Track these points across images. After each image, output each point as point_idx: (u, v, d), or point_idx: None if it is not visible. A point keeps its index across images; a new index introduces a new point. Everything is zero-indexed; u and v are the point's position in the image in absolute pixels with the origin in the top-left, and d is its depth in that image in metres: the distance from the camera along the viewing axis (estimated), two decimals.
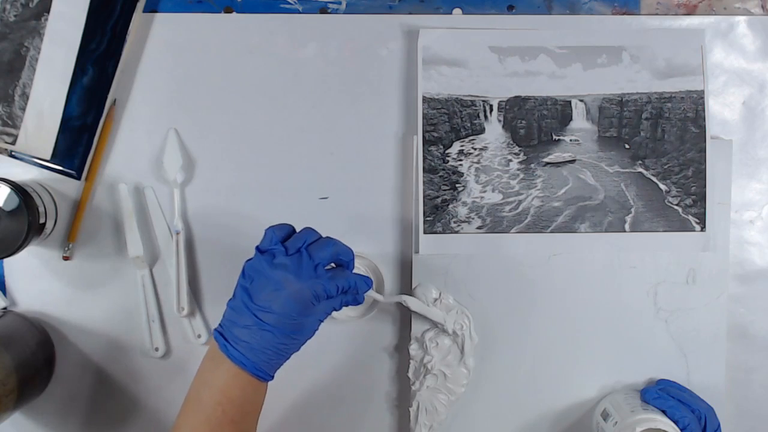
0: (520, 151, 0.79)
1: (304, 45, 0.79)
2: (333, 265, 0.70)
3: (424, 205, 0.78)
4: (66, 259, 0.78)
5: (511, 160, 0.79)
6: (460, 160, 0.79)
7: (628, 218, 0.79)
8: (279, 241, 0.67)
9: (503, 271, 0.79)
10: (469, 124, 0.79)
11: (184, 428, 0.66)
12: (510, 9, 0.80)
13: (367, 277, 0.71)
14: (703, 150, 0.79)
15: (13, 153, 0.77)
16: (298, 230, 0.69)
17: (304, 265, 0.66)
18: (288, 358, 0.67)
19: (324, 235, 0.69)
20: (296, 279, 0.65)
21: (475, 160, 0.79)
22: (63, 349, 0.79)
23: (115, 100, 0.78)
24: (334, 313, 0.78)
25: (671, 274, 0.79)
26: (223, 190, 0.79)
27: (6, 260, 0.78)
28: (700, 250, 0.79)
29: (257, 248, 0.68)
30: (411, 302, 0.77)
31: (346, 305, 0.70)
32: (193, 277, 0.79)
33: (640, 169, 0.79)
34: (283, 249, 0.66)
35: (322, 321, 0.68)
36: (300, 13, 0.79)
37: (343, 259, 0.69)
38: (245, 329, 0.65)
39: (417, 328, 0.79)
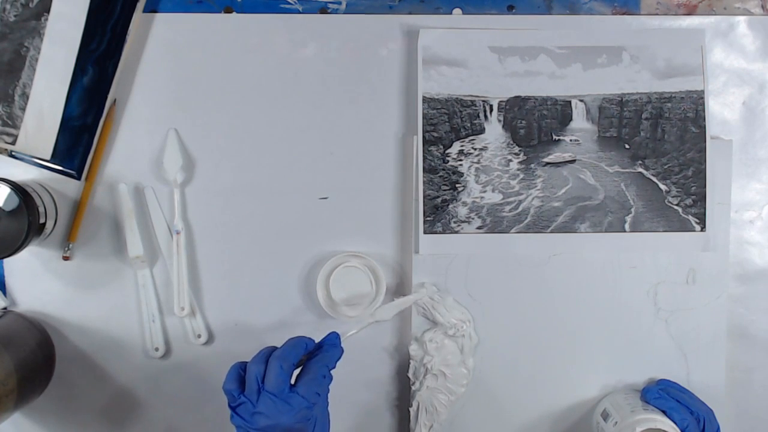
0: (520, 151, 0.79)
1: (304, 45, 0.79)
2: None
3: (424, 205, 0.78)
4: (66, 259, 0.78)
5: (511, 160, 0.79)
6: (460, 160, 0.79)
7: (628, 218, 0.79)
8: (239, 389, 0.66)
9: (503, 271, 0.79)
10: (469, 124, 0.79)
11: None
12: (510, 9, 0.80)
13: (331, 334, 0.71)
14: (703, 150, 0.79)
15: (13, 153, 0.77)
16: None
17: (277, 406, 0.64)
18: None
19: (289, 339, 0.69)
20: (283, 419, 0.64)
21: (475, 160, 0.79)
22: (63, 349, 0.79)
23: (115, 100, 0.78)
24: (333, 314, 0.78)
25: (671, 274, 0.79)
26: (223, 190, 0.79)
27: (6, 260, 0.78)
28: (700, 250, 0.79)
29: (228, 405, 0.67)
30: (383, 312, 0.77)
31: (333, 367, 0.69)
32: (193, 277, 0.79)
33: (640, 169, 0.79)
34: (248, 401, 0.65)
35: (324, 394, 0.68)
36: (300, 13, 0.79)
37: (298, 351, 0.68)
38: None
39: (417, 328, 0.79)
